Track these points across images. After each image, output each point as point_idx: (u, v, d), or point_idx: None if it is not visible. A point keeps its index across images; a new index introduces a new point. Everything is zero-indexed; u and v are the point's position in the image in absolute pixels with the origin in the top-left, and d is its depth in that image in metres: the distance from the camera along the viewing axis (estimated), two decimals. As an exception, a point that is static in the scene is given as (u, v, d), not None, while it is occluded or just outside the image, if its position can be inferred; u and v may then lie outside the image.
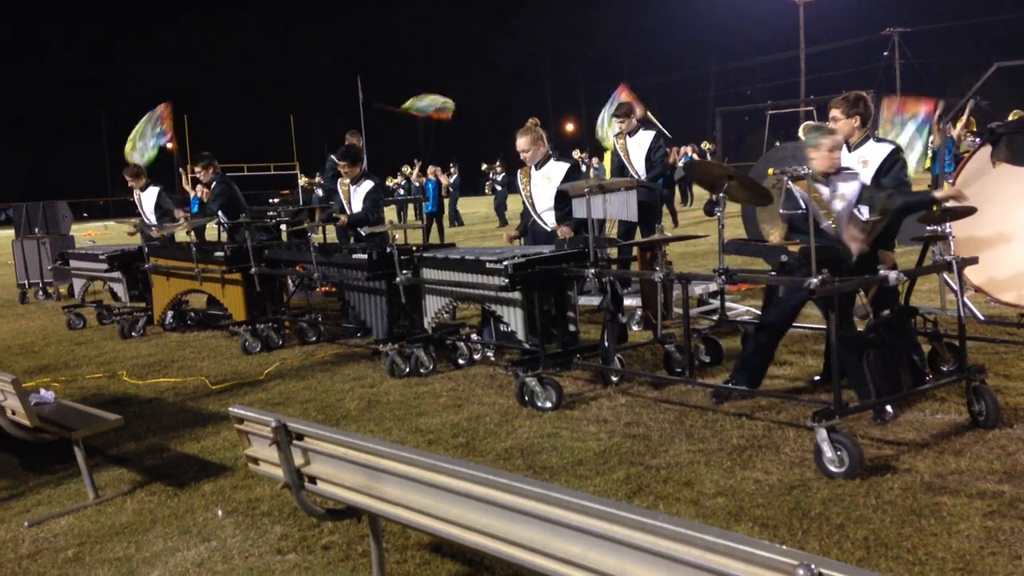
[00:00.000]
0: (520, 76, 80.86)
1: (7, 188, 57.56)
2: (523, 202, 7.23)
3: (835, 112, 5.43)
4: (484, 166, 28.28)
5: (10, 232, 17.59)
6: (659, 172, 9.04)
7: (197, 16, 78.47)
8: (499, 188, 26.43)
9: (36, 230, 14.29)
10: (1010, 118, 11.86)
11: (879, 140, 5.52)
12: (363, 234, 8.49)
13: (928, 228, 6.24)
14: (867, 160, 5.37)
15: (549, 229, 7.04)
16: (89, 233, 28.42)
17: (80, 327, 10.53)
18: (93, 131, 77.03)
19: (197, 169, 9.92)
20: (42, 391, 5.46)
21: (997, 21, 58.82)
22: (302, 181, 25.68)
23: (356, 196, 8.43)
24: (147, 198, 10.51)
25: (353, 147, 9.03)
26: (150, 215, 10.45)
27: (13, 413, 4.81)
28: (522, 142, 6.99)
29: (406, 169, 26.50)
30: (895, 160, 5.34)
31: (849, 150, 5.45)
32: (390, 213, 26.64)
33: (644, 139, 8.95)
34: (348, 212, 8.46)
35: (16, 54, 73.44)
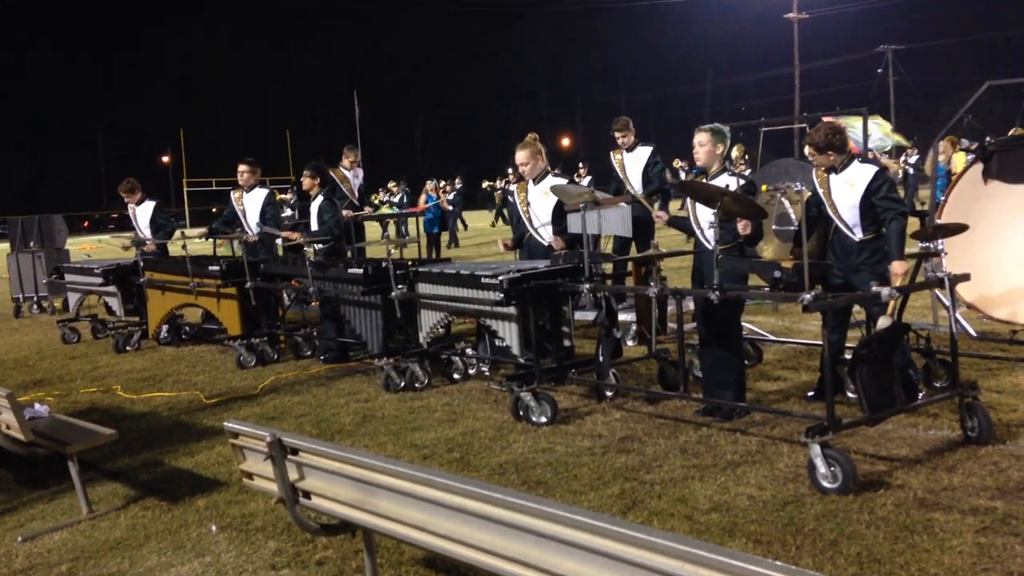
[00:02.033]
0: (517, 90, 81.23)
1: (2, 201, 57.51)
2: (519, 215, 7.25)
3: (830, 154, 5.50)
4: (442, 183, 27.89)
5: (5, 246, 17.54)
6: (657, 187, 9.07)
7: (194, 30, 78.69)
8: (451, 207, 25.88)
9: (31, 244, 14.28)
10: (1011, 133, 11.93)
11: (863, 161, 5.57)
12: (316, 248, 8.54)
13: (921, 245, 6.29)
14: (854, 183, 5.44)
15: (546, 244, 7.06)
16: (84, 247, 28.37)
17: (74, 341, 10.51)
18: (90, 145, 77.15)
19: (242, 168, 9.64)
20: (36, 405, 5.45)
21: (989, 39, 59.31)
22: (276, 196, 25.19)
23: (313, 211, 8.67)
24: (142, 212, 10.47)
25: (316, 164, 9.05)
26: (145, 230, 10.41)
27: (7, 427, 4.80)
28: (521, 156, 7.01)
29: (392, 185, 26.34)
30: (882, 181, 5.41)
31: (836, 172, 5.51)
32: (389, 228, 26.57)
33: (641, 155, 8.99)
34: (309, 229, 8.71)
35: (14, 68, 73.56)
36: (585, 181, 15.93)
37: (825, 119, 5.68)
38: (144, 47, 79.26)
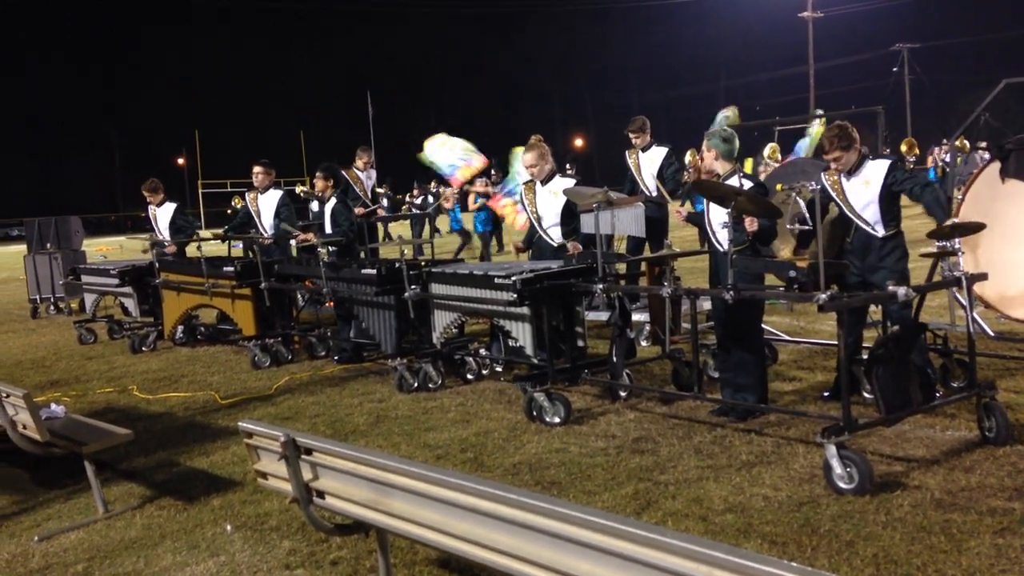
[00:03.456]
0: (527, 91, 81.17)
1: (17, 203, 57.89)
2: (528, 217, 7.24)
3: (836, 153, 5.40)
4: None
5: (22, 247, 17.68)
6: (672, 188, 9.03)
7: (205, 32, 79.05)
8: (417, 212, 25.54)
9: (48, 245, 14.37)
10: None
11: (875, 158, 5.53)
12: (324, 249, 8.52)
13: (937, 244, 6.24)
14: (869, 180, 5.40)
15: (556, 244, 7.05)
16: (101, 248, 28.55)
17: (91, 342, 10.58)
18: (103, 147, 77.58)
19: (257, 169, 9.70)
20: (53, 406, 5.49)
21: (1006, 38, 58.85)
22: (298, 189, 25.11)
23: (326, 213, 8.64)
24: (163, 214, 10.50)
25: (328, 165, 9.05)
26: (164, 231, 10.46)
27: (24, 428, 4.83)
28: (528, 158, 7.00)
29: (383, 188, 26.26)
30: (898, 170, 5.39)
31: (850, 175, 5.46)
32: (400, 228, 26.64)
33: (657, 155, 8.96)
34: (323, 230, 8.68)
35: (25, 69, 74.02)
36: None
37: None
38: (152, 48, 79.64)
